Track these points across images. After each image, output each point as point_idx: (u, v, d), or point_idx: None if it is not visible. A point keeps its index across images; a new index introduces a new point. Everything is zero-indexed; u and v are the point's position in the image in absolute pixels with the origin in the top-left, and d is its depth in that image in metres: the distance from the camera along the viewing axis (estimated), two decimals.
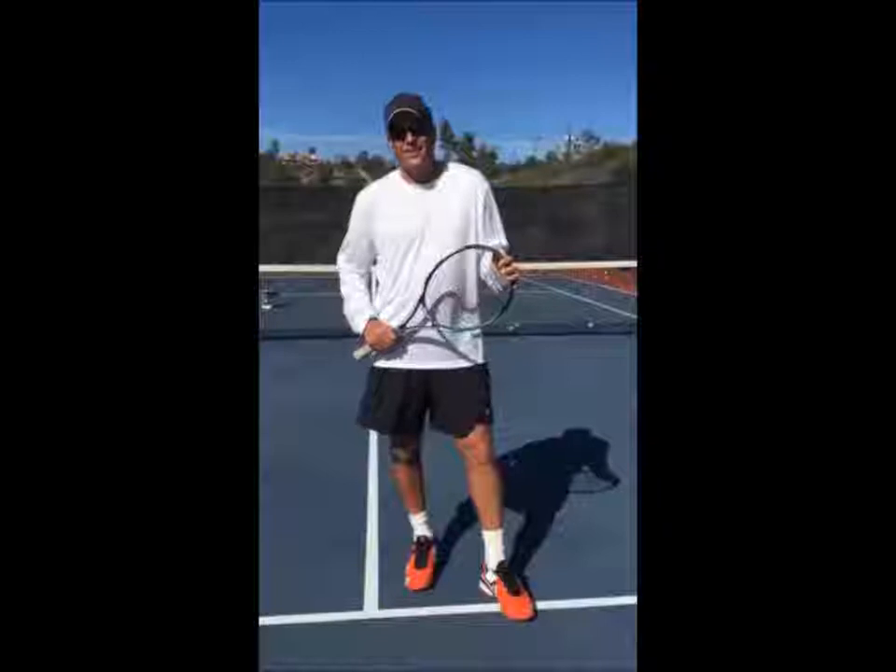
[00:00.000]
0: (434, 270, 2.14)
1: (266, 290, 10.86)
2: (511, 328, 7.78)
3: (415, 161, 2.15)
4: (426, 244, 2.20)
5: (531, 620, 2.25)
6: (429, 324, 2.23)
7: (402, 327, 2.22)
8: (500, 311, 2.25)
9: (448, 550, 2.75)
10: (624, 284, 13.35)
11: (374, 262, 2.38)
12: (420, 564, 2.57)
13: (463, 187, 2.25)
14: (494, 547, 2.41)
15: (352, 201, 2.33)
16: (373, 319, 2.28)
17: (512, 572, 2.41)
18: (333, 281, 2.52)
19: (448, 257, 2.15)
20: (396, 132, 2.14)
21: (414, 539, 2.64)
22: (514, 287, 2.16)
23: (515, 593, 2.32)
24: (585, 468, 3.70)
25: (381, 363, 2.34)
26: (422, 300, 2.19)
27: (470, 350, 2.34)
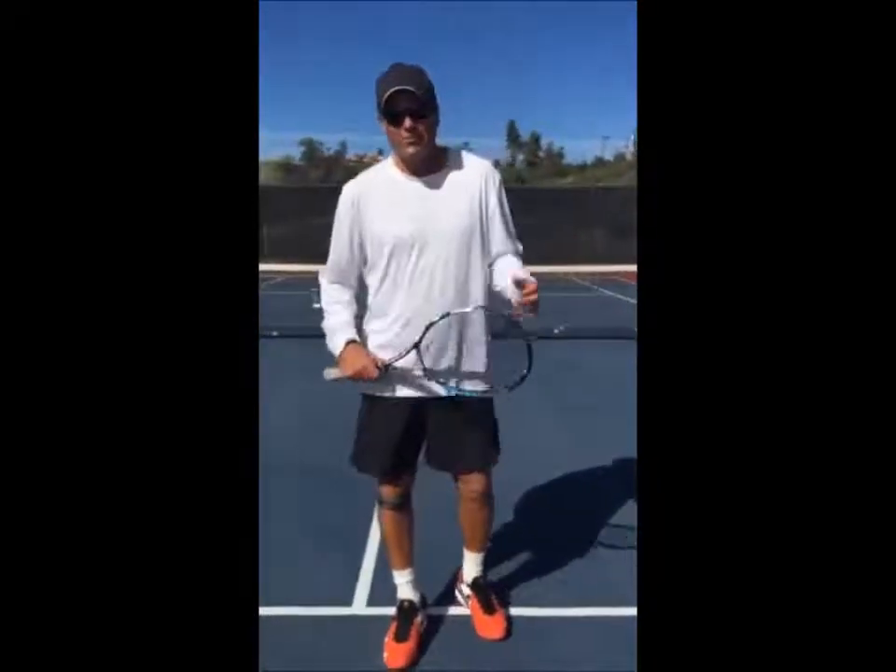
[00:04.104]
0: (439, 320, 1.81)
1: (315, 290, 10.97)
2: (556, 330, 7.69)
3: (413, 150, 1.77)
4: (424, 251, 1.84)
5: (503, 639, 2.16)
6: (421, 372, 1.89)
7: (388, 365, 1.88)
8: (520, 379, 1.88)
9: (438, 548, 2.55)
10: None
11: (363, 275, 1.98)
12: (401, 636, 2.08)
13: (468, 179, 1.88)
14: (472, 564, 2.31)
15: None
16: (352, 343, 1.91)
17: (489, 589, 2.29)
18: None
19: (459, 312, 1.84)
20: (391, 115, 1.73)
21: (397, 602, 2.21)
22: (532, 314, 1.77)
23: (489, 611, 2.20)
24: (612, 476, 3.63)
25: (372, 391, 1.99)
26: (416, 346, 1.84)
27: (480, 373, 1.97)
